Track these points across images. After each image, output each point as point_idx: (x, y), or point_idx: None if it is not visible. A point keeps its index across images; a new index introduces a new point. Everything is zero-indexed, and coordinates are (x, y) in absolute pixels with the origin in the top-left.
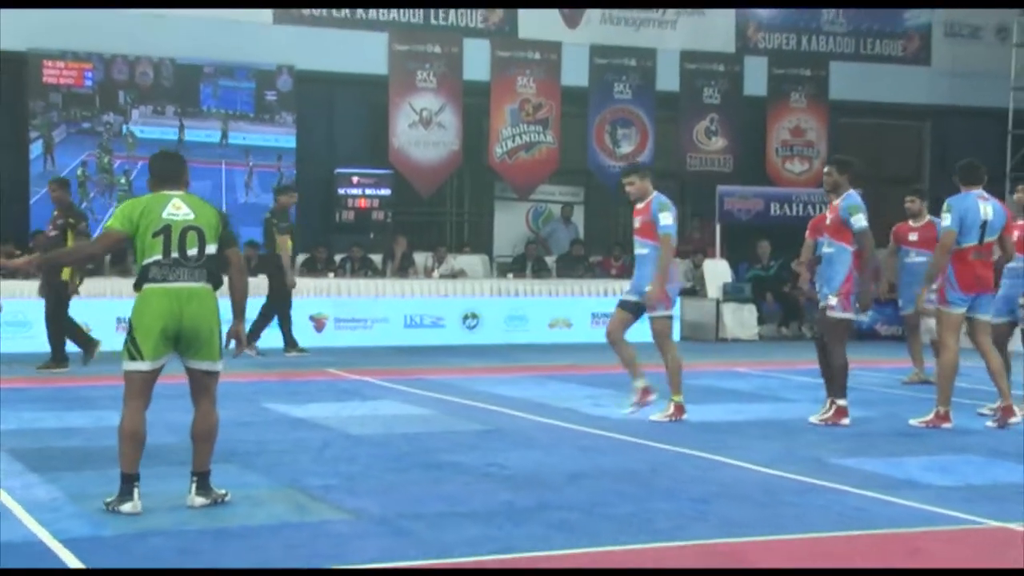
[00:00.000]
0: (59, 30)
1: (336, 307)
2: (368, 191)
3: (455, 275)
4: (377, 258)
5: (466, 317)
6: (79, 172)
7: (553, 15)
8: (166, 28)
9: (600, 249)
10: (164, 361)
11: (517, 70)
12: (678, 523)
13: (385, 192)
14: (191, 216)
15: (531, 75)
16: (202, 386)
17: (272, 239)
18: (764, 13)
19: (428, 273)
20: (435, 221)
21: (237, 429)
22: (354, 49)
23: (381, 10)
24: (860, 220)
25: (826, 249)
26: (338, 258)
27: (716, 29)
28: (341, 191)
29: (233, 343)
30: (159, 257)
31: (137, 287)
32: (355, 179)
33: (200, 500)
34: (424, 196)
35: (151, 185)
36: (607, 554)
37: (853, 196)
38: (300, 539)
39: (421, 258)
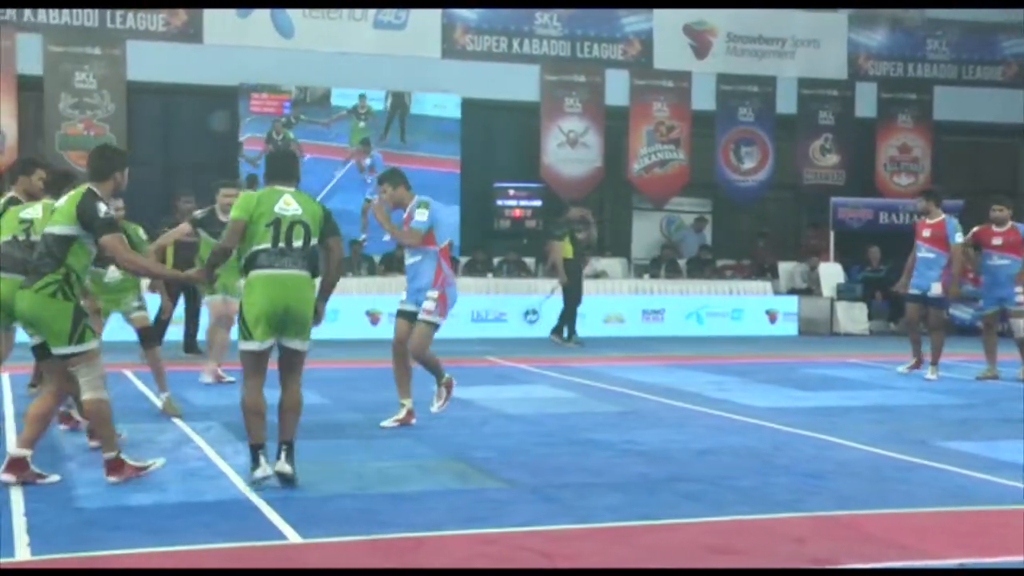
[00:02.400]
0: (263, 67)
1: (491, 303)
2: (522, 202)
3: (597, 275)
4: (529, 261)
5: (607, 317)
6: None
7: (684, 48)
8: (352, 63)
9: (725, 253)
10: (273, 342)
11: (652, 96)
12: (796, 496)
13: (537, 203)
14: (299, 211)
15: (664, 100)
16: (291, 364)
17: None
18: (873, 43)
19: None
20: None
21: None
22: (511, 80)
23: (534, 45)
24: (958, 237)
25: (925, 254)
26: (496, 261)
27: (830, 58)
28: (499, 202)
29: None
30: (268, 246)
31: (244, 272)
32: (511, 192)
33: (287, 468)
34: (571, 206)
35: (266, 179)
36: (732, 522)
37: (952, 220)
38: (462, 503)
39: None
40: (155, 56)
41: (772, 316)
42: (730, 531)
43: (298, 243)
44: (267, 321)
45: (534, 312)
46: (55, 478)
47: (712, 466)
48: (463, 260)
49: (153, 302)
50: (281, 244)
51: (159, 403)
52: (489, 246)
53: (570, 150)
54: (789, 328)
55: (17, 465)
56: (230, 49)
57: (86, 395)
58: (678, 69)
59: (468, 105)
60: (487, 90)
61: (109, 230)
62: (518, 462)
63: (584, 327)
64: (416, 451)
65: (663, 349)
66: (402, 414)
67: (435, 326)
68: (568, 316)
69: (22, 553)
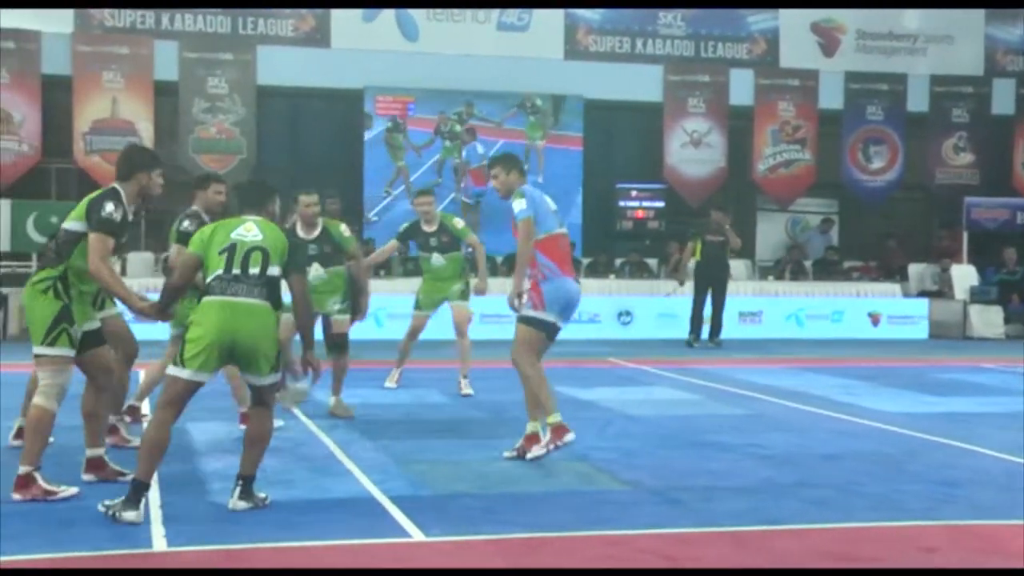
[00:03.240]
0: (387, 70)
1: (613, 304)
2: (644, 203)
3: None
4: (652, 262)
5: (743, 314)
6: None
7: (812, 46)
8: (475, 65)
9: (853, 255)
10: (208, 376)
11: (778, 96)
12: (928, 504)
13: (659, 204)
14: (259, 237)
15: (791, 100)
16: (258, 396)
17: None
18: (1013, 38)
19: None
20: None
21: (522, 408)
22: (633, 80)
23: (657, 45)
24: None
25: None
26: (618, 262)
27: (964, 54)
28: (621, 203)
29: (311, 374)
30: (220, 272)
31: (199, 303)
32: (633, 193)
33: (242, 504)
34: (694, 207)
35: (236, 210)
36: (861, 529)
37: None
38: (585, 504)
39: (693, 262)
40: (284, 60)
41: (875, 319)
42: (858, 538)
43: (254, 270)
44: (213, 352)
45: (627, 314)
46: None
47: (840, 471)
48: (585, 261)
49: None
50: (235, 271)
51: (330, 402)
52: (611, 247)
53: (693, 150)
54: (915, 332)
55: (95, 464)
56: (356, 52)
57: (37, 399)
58: (805, 67)
59: (590, 106)
60: (609, 91)
61: (100, 228)
62: (640, 464)
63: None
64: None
65: (787, 351)
66: (545, 435)
67: (532, 323)
68: (694, 318)
69: (158, 544)
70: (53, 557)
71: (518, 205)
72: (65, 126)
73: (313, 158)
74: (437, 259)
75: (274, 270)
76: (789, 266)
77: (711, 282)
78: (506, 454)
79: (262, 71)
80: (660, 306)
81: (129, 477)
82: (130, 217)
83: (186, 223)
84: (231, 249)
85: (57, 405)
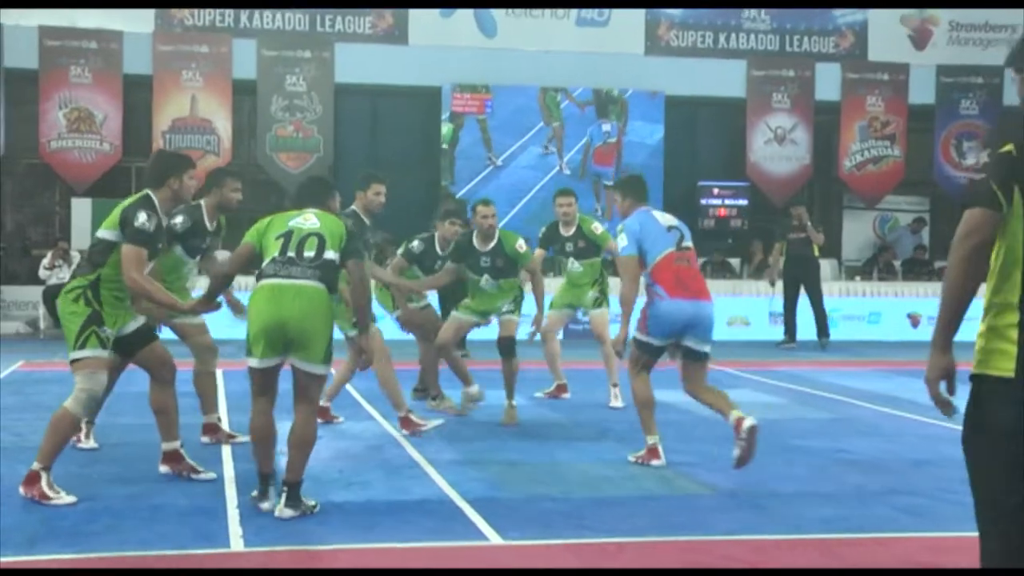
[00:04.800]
0: (465, 67)
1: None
2: (727, 201)
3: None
4: (735, 262)
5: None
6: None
7: (902, 39)
8: (554, 61)
9: (944, 255)
10: (275, 360)
11: (866, 90)
12: None
13: (742, 202)
14: (316, 225)
15: (879, 94)
16: (301, 387)
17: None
18: None
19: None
20: None
21: (610, 411)
22: (715, 75)
23: (741, 39)
24: None
25: None
26: (700, 261)
27: None
28: (703, 201)
29: (357, 355)
30: (275, 255)
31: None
32: (715, 190)
33: (288, 512)
34: (778, 205)
35: (296, 205)
36: (953, 539)
37: None
38: (666, 509)
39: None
40: (362, 58)
41: (915, 320)
42: (950, 549)
43: (310, 253)
44: (264, 336)
45: None
46: (211, 475)
47: (932, 478)
48: None
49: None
50: (290, 253)
51: (505, 405)
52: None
53: (777, 147)
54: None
55: (172, 457)
56: (434, 49)
57: (67, 402)
58: (895, 61)
59: (671, 102)
60: (691, 86)
61: (134, 240)
62: (722, 468)
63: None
64: (619, 454)
65: (877, 353)
66: (644, 450)
67: (637, 343)
68: (786, 319)
69: (236, 544)
70: (121, 556)
71: (621, 242)
72: (145, 125)
73: (391, 156)
74: (574, 265)
75: (330, 254)
76: (877, 266)
77: (799, 281)
78: (631, 458)
79: (340, 69)
80: (741, 307)
81: (203, 475)
82: (164, 223)
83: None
84: (287, 235)
85: (84, 413)
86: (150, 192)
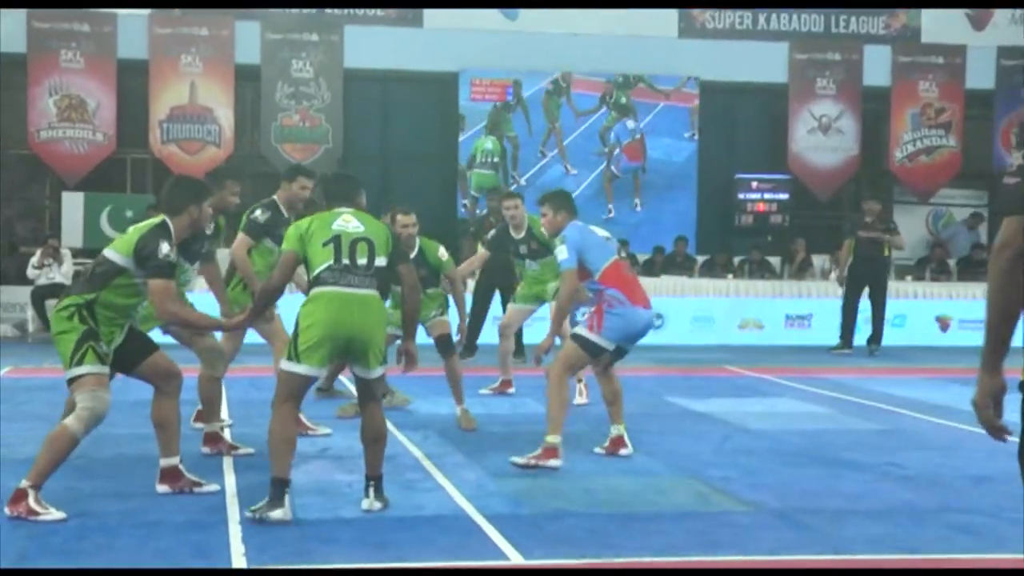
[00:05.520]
0: (485, 51)
1: (731, 307)
2: (767, 195)
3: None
4: (775, 260)
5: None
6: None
7: (959, 19)
8: (582, 45)
9: None
10: (323, 371)
11: (919, 75)
12: None
13: (783, 196)
14: (360, 228)
15: (934, 79)
16: (366, 391)
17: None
18: None
19: (826, 275)
20: (833, 224)
21: (641, 420)
22: (755, 59)
23: (782, 19)
24: None
25: None
26: (736, 260)
27: None
28: (740, 196)
29: (404, 360)
30: (331, 262)
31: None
32: (754, 184)
33: (378, 505)
34: (822, 200)
35: (327, 202)
36: (1015, 562)
37: None
38: (701, 527)
39: (819, 261)
40: (373, 41)
41: (944, 323)
42: (1010, 571)
43: (363, 260)
44: (327, 346)
45: (659, 316)
46: (214, 487)
47: (991, 496)
48: (700, 259)
49: None
50: (345, 261)
51: (457, 412)
52: (729, 244)
53: (822, 137)
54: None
55: (170, 475)
56: (451, 33)
57: (66, 419)
58: (951, 43)
59: (706, 88)
60: (728, 71)
61: (162, 275)
62: (762, 483)
63: (833, 335)
64: (650, 467)
65: (926, 360)
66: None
67: (582, 343)
68: (845, 323)
69: (237, 561)
70: (114, 568)
71: (560, 254)
72: (140, 114)
73: (404, 146)
74: (531, 265)
75: (381, 260)
76: (931, 265)
77: (865, 283)
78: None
79: (350, 53)
80: (784, 308)
81: (205, 488)
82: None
83: (258, 212)
84: (336, 240)
85: (84, 432)
86: (167, 219)
